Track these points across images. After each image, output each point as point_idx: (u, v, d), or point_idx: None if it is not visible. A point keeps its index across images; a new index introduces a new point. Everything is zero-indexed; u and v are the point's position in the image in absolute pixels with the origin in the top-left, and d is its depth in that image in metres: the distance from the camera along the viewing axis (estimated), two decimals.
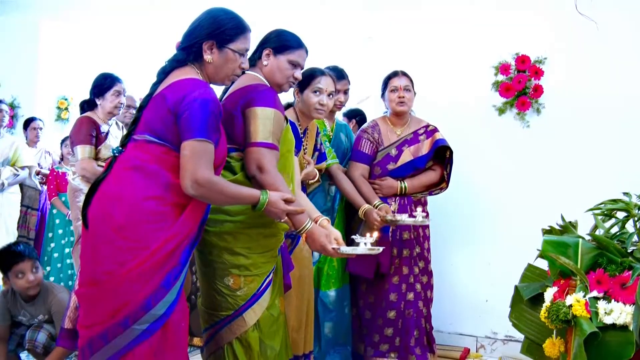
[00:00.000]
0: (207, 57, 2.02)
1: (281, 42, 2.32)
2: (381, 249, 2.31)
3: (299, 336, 2.86)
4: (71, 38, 5.79)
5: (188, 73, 2.00)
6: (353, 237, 2.34)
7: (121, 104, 3.70)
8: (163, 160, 1.93)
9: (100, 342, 1.87)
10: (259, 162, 2.14)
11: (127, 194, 1.90)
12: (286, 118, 2.31)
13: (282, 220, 2.16)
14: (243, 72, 2.19)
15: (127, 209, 1.88)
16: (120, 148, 2.02)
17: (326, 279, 3.17)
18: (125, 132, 2.32)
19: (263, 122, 2.15)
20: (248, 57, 2.16)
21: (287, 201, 2.10)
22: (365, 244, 2.24)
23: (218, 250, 2.18)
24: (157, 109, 1.96)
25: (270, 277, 2.25)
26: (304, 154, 2.93)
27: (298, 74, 2.36)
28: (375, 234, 2.33)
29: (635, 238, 2.10)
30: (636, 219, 2.10)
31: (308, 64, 2.90)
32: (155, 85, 2.04)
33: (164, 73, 2.05)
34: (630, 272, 1.89)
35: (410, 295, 3.19)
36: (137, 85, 4.26)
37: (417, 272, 3.23)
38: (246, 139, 2.17)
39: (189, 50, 2.03)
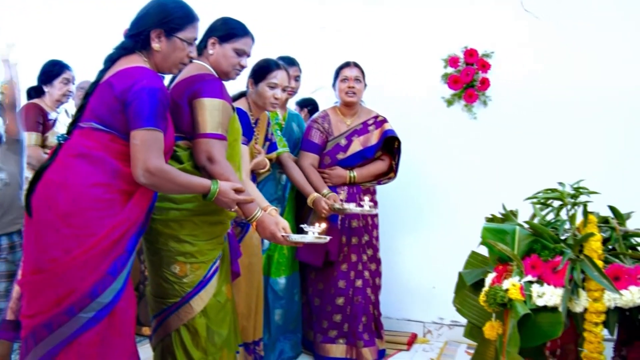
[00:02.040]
0: (155, 45, 2.01)
1: (226, 30, 2.32)
2: (328, 238, 2.36)
3: (249, 323, 2.89)
4: (16, 21, 5.58)
5: (135, 61, 1.99)
6: (302, 225, 2.39)
7: (70, 92, 3.63)
8: (109, 147, 1.92)
9: (45, 332, 1.85)
10: (209, 153, 2.15)
11: (72, 181, 1.88)
12: (233, 107, 2.31)
13: (232, 210, 2.18)
14: (191, 61, 2.19)
15: (73, 196, 1.87)
16: (66, 135, 2.00)
17: (276, 266, 3.21)
18: None
19: (211, 112, 2.16)
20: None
21: (237, 191, 2.12)
22: (313, 232, 2.29)
23: (164, 238, 2.19)
24: (103, 97, 1.94)
25: (216, 264, 2.26)
26: (255, 143, 2.95)
27: (244, 61, 2.36)
28: (323, 224, 2.38)
29: (567, 225, 2.21)
30: (569, 207, 2.21)
31: (262, 54, 2.92)
32: (102, 73, 2.01)
33: (110, 60, 2.02)
34: (561, 257, 2.00)
35: (359, 282, 3.26)
36: (87, 72, 4.16)
37: (365, 259, 3.30)
38: (194, 130, 2.18)
39: (137, 38, 2.02)
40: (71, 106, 3.86)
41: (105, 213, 1.89)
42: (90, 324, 1.85)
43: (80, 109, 1.99)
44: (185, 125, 2.19)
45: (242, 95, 2.94)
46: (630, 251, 2.13)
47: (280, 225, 2.28)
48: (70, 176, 1.88)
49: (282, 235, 2.25)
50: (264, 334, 3.07)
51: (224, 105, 2.20)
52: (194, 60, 2.25)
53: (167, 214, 2.18)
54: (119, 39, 2.07)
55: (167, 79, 2.37)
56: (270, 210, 2.39)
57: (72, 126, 1.99)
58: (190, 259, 2.19)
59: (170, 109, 2.04)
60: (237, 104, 2.68)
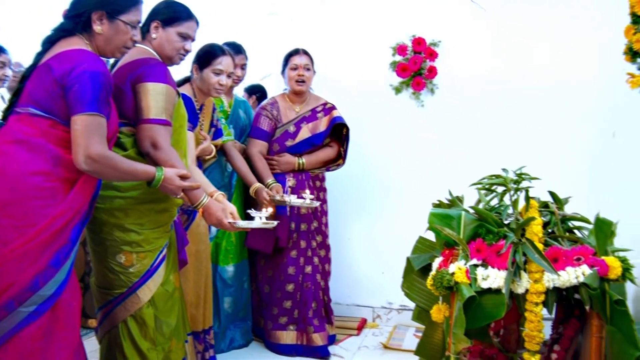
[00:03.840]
0: (97, 27, 1.94)
1: (170, 13, 2.27)
2: (276, 223, 2.36)
3: (198, 312, 2.87)
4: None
5: (76, 43, 1.92)
6: (248, 211, 2.38)
7: (6, 76, 3.48)
8: (49, 134, 1.85)
9: None
10: (153, 139, 2.11)
11: (10, 170, 1.81)
12: (178, 93, 2.27)
13: (178, 196, 2.15)
14: (134, 45, 2.12)
15: (11, 185, 1.80)
16: (1, 121, 1.91)
17: (224, 254, 3.18)
18: None
19: (155, 97, 2.11)
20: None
21: (183, 177, 2.09)
22: (260, 218, 2.28)
23: (109, 228, 2.13)
24: (41, 80, 1.87)
25: (163, 253, 2.23)
26: (200, 129, 2.90)
27: (189, 46, 2.32)
28: (270, 209, 2.38)
29: (510, 210, 2.28)
30: (511, 192, 2.28)
31: (208, 38, 2.87)
32: (40, 55, 1.94)
33: (49, 42, 1.94)
34: (505, 240, 2.06)
35: (308, 269, 3.27)
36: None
37: (314, 245, 3.31)
38: (138, 115, 2.12)
39: (77, 19, 1.94)
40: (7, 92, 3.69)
41: (46, 202, 1.83)
42: (31, 317, 1.80)
43: (17, 93, 1.91)
44: (129, 111, 2.14)
45: (186, 80, 2.89)
46: (567, 234, 2.23)
47: (228, 211, 2.26)
48: (8, 164, 1.82)
49: (229, 222, 2.23)
50: (214, 322, 3.05)
51: (168, 90, 2.16)
52: (137, 44, 2.19)
53: (111, 203, 2.13)
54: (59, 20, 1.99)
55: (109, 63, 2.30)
56: (217, 196, 2.37)
57: (8, 111, 1.91)
58: (137, 248, 2.15)
59: (113, 94, 1.98)
60: (181, 90, 2.63)
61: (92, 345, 2.67)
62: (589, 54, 3.31)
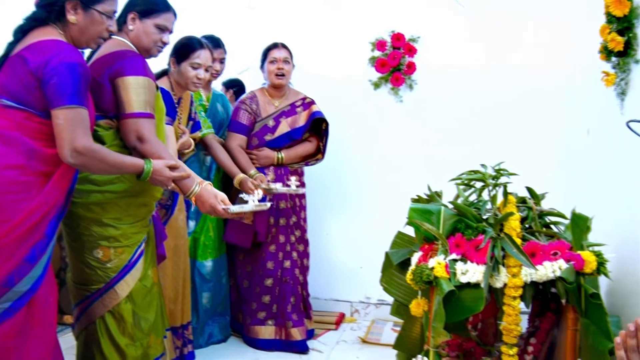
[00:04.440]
0: (71, 17, 1.90)
1: (147, 5, 2.23)
2: (269, 204, 2.37)
3: (176, 307, 2.85)
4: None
5: (50, 34, 1.87)
6: (241, 195, 2.38)
7: None
8: (24, 126, 1.81)
9: None
10: (139, 133, 2.08)
11: None
12: (157, 85, 2.24)
13: (169, 187, 2.14)
14: (110, 36, 2.09)
15: None
16: None
17: (203, 249, 3.16)
18: None
19: (136, 91, 2.08)
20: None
21: (172, 168, 2.09)
22: (253, 201, 2.28)
23: (86, 222, 2.10)
24: (15, 72, 1.82)
25: (141, 248, 2.20)
26: (179, 123, 2.87)
27: (166, 38, 2.28)
28: (260, 191, 2.38)
29: (489, 205, 2.31)
30: (490, 188, 2.31)
31: (188, 32, 2.84)
32: (12, 45, 1.89)
33: (21, 32, 1.90)
34: (483, 235, 2.09)
35: (287, 263, 3.27)
36: None
37: (293, 240, 3.31)
38: (120, 110, 2.09)
39: (50, 8, 1.89)
40: None
41: (21, 196, 1.79)
42: (6, 314, 1.76)
43: None
44: (107, 104, 2.10)
45: (163, 73, 2.85)
46: (544, 229, 2.26)
47: (219, 197, 2.26)
48: None
49: (223, 208, 2.22)
50: (192, 317, 3.03)
51: (149, 83, 2.13)
52: (113, 36, 2.15)
53: (88, 197, 2.09)
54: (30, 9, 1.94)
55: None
56: (205, 185, 2.35)
57: None
58: (114, 243, 2.12)
59: (90, 86, 1.95)
60: (158, 83, 2.60)
61: (68, 341, 2.63)
62: (565, 52, 3.35)
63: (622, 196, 2.48)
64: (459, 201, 2.35)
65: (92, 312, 2.14)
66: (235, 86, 3.90)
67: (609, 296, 2.26)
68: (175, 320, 2.84)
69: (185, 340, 2.91)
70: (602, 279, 2.18)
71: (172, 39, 2.41)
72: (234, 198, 3.07)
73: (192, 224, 3.10)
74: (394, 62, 3.73)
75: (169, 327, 2.72)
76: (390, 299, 2.64)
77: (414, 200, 2.50)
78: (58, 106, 1.78)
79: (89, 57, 2.21)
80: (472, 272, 2.02)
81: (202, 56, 2.76)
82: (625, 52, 2.44)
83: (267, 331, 3.24)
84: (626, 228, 2.38)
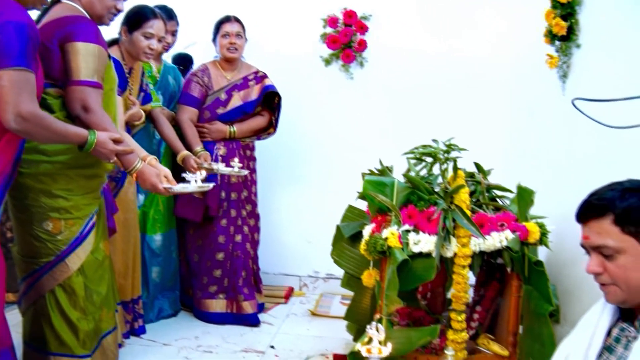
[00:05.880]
0: None
1: None
2: (212, 184, 2.34)
3: (126, 281, 2.81)
4: None
5: None
6: (183, 175, 2.34)
7: None
8: None
9: None
10: (84, 102, 2.01)
11: None
12: (109, 54, 2.17)
13: (111, 161, 2.07)
14: (59, 1, 2.00)
15: None
16: None
17: (152, 223, 3.11)
18: None
19: (85, 58, 2.01)
20: None
21: (116, 141, 2.02)
22: (195, 181, 2.26)
23: (34, 194, 2.04)
24: None
25: (93, 220, 2.16)
26: (129, 94, 2.80)
27: (120, 5, 2.20)
28: (204, 172, 2.36)
29: (439, 179, 2.39)
30: (441, 162, 2.38)
31: (140, 1, 2.75)
32: None
33: None
34: (435, 207, 2.16)
35: (238, 238, 3.26)
36: None
37: (244, 215, 3.31)
38: (67, 76, 2.02)
39: None
40: None
41: None
42: None
43: None
44: (56, 71, 2.02)
45: (114, 42, 2.76)
46: (491, 202, 2.37)
47: (162, 175, 2.21)
48: None
49: (164, 187, 2.18)
50: (142, 292, 2.99)
51: (100, 51, 2.06)
52: (63, 1, 2.07)
53: (37, 167, 2.03)
54: None
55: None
56: (150, 160, 2.31)
57: None
58: (65, 215, 2.07)
59: (39, 51, 1.87)
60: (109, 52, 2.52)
61: (13, 318, 2.55)
62: (511, 35, 3.45)
63: (562, 173, 2.61)
64: (411, 175, 2.41)
65: (41, 285, 2.09)
66: (186, 62, 3.80)
67: (547, 266, 2.39)
68: (125, 295, 2.80)
69: (136, 314, 2.89)
70: (541, 249, 2.31)
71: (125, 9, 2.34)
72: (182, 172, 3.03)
73: (141, 197, 3.05)
74: (345, 39, 3.75)
75: (120, 302, 2.69)
76: (338, 273, 2.68)
77: (366, 175, 2.54)
78: (2, 67, 1.68)
79: (37, 21, 2.11)
80: (424, 242, 2.10)
81: (155, 26, 2.68)
82: (568, 37, 2.56)
83: (218, 304, 3.24)
84: (565, 203, 2.50)
